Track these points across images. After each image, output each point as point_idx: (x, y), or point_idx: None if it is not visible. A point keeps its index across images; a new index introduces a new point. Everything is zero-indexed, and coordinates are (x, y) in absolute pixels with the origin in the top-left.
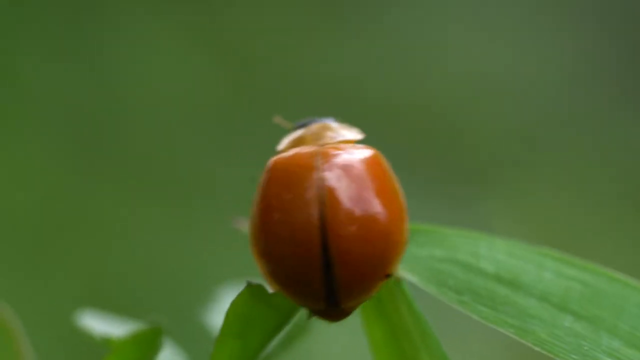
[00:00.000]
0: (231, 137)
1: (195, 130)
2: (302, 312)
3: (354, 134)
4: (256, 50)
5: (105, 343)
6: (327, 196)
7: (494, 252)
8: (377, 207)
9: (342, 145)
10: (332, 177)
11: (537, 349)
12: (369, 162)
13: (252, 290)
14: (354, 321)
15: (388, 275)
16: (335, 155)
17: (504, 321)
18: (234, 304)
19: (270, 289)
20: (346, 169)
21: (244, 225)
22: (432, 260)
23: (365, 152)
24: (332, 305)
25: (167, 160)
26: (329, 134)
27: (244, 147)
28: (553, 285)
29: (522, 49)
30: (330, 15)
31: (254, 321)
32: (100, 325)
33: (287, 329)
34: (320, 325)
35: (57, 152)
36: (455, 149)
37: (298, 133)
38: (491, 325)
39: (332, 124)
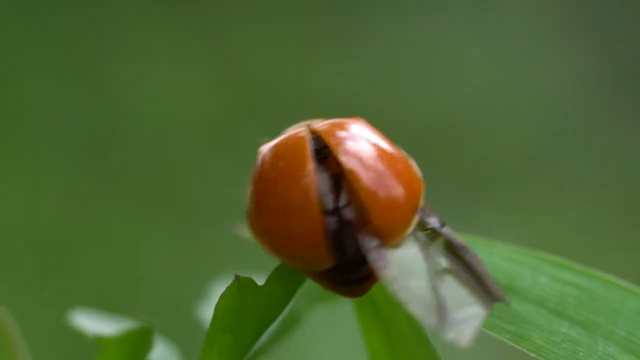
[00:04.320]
0: (233, 152)
1: (197, 146)
2: (295, 304)
3: None
4: (259, 67)
5: (97, 342)
6: (339, 153)
7: (491, 257)
8: (384, 150)
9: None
10: (332, 136)
11: (532, 355)
12: (358, 121)
13: (241, 284)
14: (352, 326)
15: (417, 209)
16: (326, 124)
17: (500, 327)
18: (222, 298)
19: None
20: (340, 129)
21: (243, 230)
22: None
23: (352, 118)
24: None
25: (169, 174)
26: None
27: (245, 161)
28: (549, 289)
29: (525, 67)
30: (331, 32)
31: (244, 315)
32: (93, 324)
33: (279, 320)
34: (316, 321)
35: (62, 169)
36: (457, 161)
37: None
38: (487, 331)
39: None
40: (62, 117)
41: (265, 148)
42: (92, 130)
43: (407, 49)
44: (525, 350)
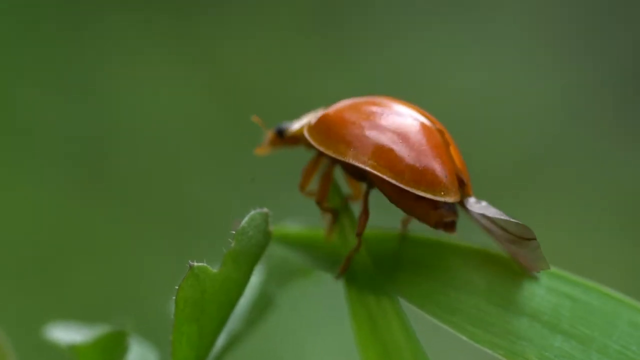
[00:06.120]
0: (226, 162)
1: (190, 155)
2: (265, 287)
3: None
4: (252, 78)
5: (72, 351)
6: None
7: (487, 269)
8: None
9: None
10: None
11: None
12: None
13: (196, 272)
14: (348, 339)
15: None
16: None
17: (493, 342)
18: (181, 289)
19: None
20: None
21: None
22: (425, 279)
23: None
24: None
25: (161, 182)
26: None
27: (230, 170)
28: (544, 302)
29: (521, 76)
30: (327, 44)
31: (205, 302)
32: (69, 335)
33: (251, 305)
34: (312, 334)
35: (56, 181)
36: None
37: (307, 115)
38: (480, 346)
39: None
40: (54, 127)
41: (386, 120)
42: (85, 138)
43: (403, 61)
44: None
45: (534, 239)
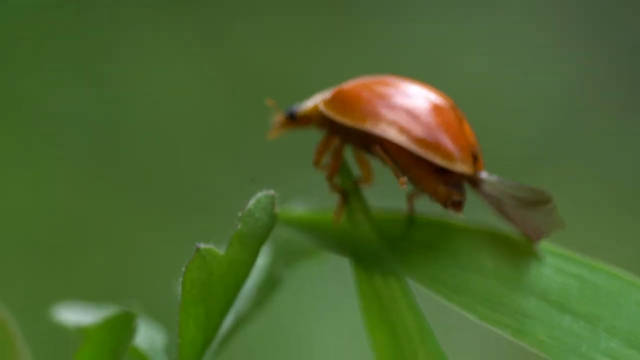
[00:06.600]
0: (234, 150)
1: (198, 144)
2: (271, 267)
3: None
4: (260, 65)
5: (80, 333)
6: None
7: (495, 249)
8: None
9: None
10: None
11: (534, 350)
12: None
13: (203, 254)
14: (355, 320)
15: None
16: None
17: (502, 321)
18: (188, 270)
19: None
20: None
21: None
22: (433, 259)
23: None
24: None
25: (170, 170)
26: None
27: (241, 158)
28: (552, 282)
29: (524, 67)
30: (333, 30)
31: (212, 284)
32: (76, 316)
33: (258, 286)
34: (321, 317)
35: (65, 166)
36: None
37: (318, 95)
38: (489, 325)
39: None
40: (65, 117)
41: (410, 95)
42: (95, 128)
43: (408, 47)
44: (527, 346)
45: (551, 200)
